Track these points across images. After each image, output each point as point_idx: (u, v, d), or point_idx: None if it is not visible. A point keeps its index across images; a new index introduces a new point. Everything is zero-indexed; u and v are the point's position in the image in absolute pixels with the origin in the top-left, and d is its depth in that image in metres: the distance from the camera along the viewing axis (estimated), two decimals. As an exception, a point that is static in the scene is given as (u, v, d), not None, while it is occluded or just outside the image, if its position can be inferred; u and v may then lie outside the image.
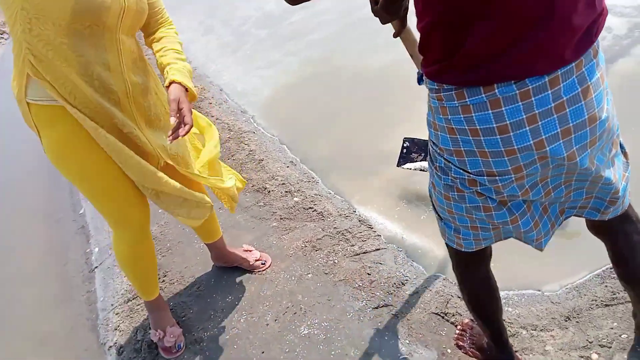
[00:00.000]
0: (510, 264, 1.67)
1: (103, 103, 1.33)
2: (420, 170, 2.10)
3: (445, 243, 1.18)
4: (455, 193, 1.01)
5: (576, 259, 1.65)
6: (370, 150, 2.55)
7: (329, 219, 2.15)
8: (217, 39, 4.72)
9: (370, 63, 3.30)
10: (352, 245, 1.98)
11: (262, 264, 1.98)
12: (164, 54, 1.45)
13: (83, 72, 1.28)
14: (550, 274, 1.63)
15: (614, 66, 2.38)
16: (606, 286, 1.50)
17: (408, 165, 2.14)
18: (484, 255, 1.18)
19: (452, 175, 0.98)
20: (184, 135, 1.31)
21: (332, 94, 3.16)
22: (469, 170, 0.94)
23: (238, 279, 1.96)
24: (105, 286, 2.22)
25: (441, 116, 0.93)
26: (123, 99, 1.37)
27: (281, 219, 2.23)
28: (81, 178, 1.44)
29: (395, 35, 1.23)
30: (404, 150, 2.17)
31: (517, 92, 0.82)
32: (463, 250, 1.12)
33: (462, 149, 0.92)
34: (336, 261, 1.93)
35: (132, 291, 2.08)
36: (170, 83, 1.37)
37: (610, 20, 2.67)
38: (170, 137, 1.29)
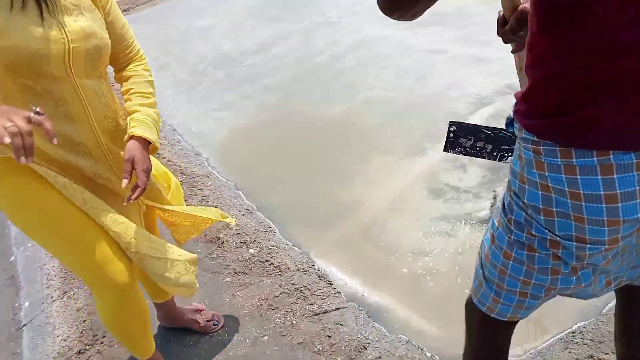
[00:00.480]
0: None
1: (69, 159, 1.20)
2: (468, 155, 1.98)
3: (472, 302, 1.08)
4: (524, 252, 0.92)
5: (540, 322, 1.64)
6: (329, 200, 2.50)
7: (286, 274, 2.05)
8: (172, 76, 4.61)
9: (328, 111, 3.31)
10: (311, 304, 1.88)
11: (214, 324, 1.83)
12: (129, 98, 1.34)
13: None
14: (514, 337, 1.61)
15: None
16: (570, 352, 1.50)
17: (457, 150, 2.02)
18: (514, 322, 1.08)
19: (531, 232, 0.90)
20: (136, 199, 1.20)
21: (288, 141, 3.12)
22: (556, 233, 0.86)
23: (187, 342, 1.80)
24: (33, 347, 1.98)
25: (534, 170, 0.85)
26: (94, 149, 1.24)
27: (235, 273, 2.10)
28: (46, 234, 1.25)
29: (513, 52, 1.21)
30: (451, 135, 2.01)
31: (635, 161, 0.76)
32: (492, 316, 1.04)
33: (554, 209, 0.85)
34: (294, 322, 1.82)
35: (65, 354, 1.86)
36: (130, 138, 1.26)
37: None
38: (125, 202, 1.18)
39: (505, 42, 1.12)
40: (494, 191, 2.23)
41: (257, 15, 5.96)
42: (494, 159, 2.02)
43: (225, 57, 4.81)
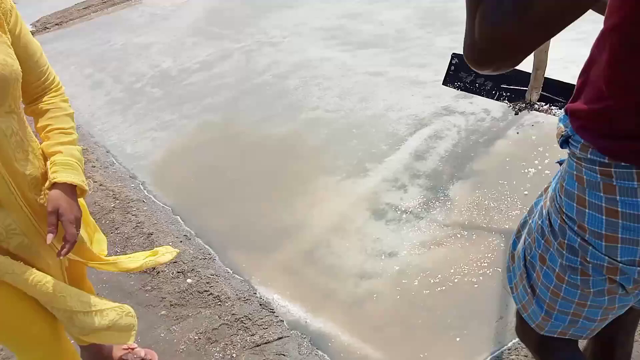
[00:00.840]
0: (416, 347, 1.63)
1: None
2: (467, 90, 1.88)
3: (520, 314, 1.07)
4: (578, 277, 0.89)
5: (476, 339, 1.66)
6: (271, 223, 2.44)
7: (226, 304, 1.96)
8: (106, 95, 4.41)
9: (269, 131, 3.27)
10: (253, 335, 1.81)
11: (147, 363, 1.71)
12: (48, 136, 1.17)
13: None
14: (453, 354, 1.62)
15: (493, 146, 2.61)
16: (507, 372, 1.52)
17: (456, 84, 1.91)
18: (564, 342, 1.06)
19: (586, 258, 0.86)
20: (66, 254, 1.08)
21: (229, 162, 3.04)
22: (618, 259, 0.83)
23: (117, 384, 1.66)
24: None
25: (602, 194, 0.80)
26: (5, 199, 1.06)
27: (172, 305, 1.99)
28: None
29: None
30: (452, 68, 1.91)
31: None
32: (541, 333, 1.02)
33: (619, 235, 0.81)
34: (234, 355, 1.74)
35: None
36: (52, 186, 1.11)
37: (486, 104, 2.96)
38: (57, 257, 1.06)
39: None
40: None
41: (198, 33, 5.86)
42: (492, 98, 1.96)
43: (164, 76, 4.66)
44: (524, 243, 1.03)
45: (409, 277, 1.98)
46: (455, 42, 3.85)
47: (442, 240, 2.11)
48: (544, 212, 0.96)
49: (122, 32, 6.35)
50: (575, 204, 0.85)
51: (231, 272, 2.17)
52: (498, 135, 2.68)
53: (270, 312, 1.92)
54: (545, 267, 0.95)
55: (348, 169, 2.71)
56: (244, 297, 1.99)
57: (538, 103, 1.78)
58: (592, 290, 0.89)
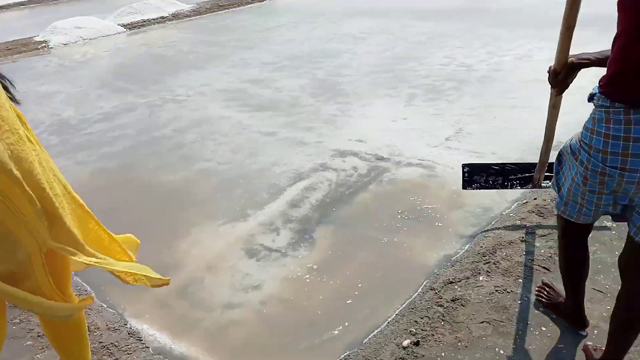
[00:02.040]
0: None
1: None
2: (484, 188, 2.45)
3: (557, 214, 1.65)
4: (581, 179, 1.45)
5: (326, 357, 1.94)
6: (152, 263, 2.58)
7: (95, 333, 2.07)
8: (-2, 139, 4.35)
9: (162, 179, 3.48)
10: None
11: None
12: None
13: None
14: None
15: (356, 197, 3.05)
16: None
17: (473, 186, 2.45)
18: (585, 229, 1.64)
19: (588, 167, 1.41)
20: None
21: (119, 206, 3.18)
22: (607, 164, 1.35)
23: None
24: None
25: (603, 124, 1.34)
26: None
27: (39, 336, 2.06)
28: None
29: (557, 95, 1.79)
30: (466, 175, 2.44)
31: None
32: (566, 217, 1.58)
33: (609, 149, 1.34)
34: (96, 378, 1.85)
35: None
36: None
37: (355, 162, 3.46)
38: None
39: (558, 89, 1.67)
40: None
41: (105, 86, 6.01)
42: (507, 188, 2.48)
43: (63, 124, 4.73)
44: (558, 164, 1.64)
45: (269, 307, 2.24)
46: (340, 110, 4.43)
47: (303, 274, 2.42)
48: (571, 142, 1.54)
49: (25, 80, 6.31)
50: (588, 133, 1.40)
51: (105, 305, 2.29)
52: (361, 188, 3.13)
53: (138, 340, 2.06)
54: (567, 174, 1.57)
55: (230, 214, 2.99)
56: (114, 327, 2.12)
57: (544, 182, 2.31)
58: (587, 189, 1.46)
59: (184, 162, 3.75)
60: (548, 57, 3.33)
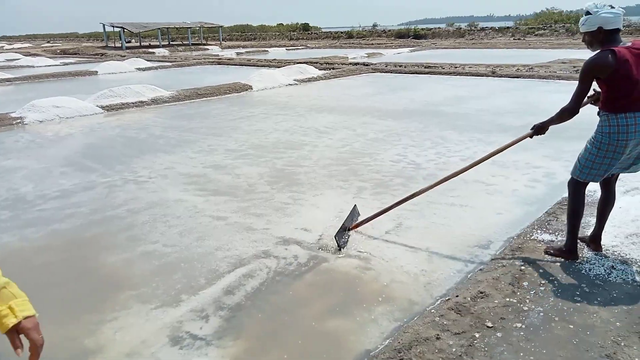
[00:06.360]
0: None
1: None
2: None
3: (572, 177, 2.96)
4: (594, 157, 2.79)
5: None
6: (70, 346, 2.56)
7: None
8: (-53, 212, 4.35)
9: (104, 261, 3.49)
10: None
11: None
12: None
13: None
14: None
15: (292, 287, 3.11)
16: None
17: (344, 240, 3.65)
18: (585, 185, 2.95)
19: (606, 150, 2.74)
20: None
21: (55, 284, 3.16)
22: (614, 143, 2.72)
23: None
24: None
25: (607, 126, 2.72)
26: None
27: None
28: None
29: (592, 103, 3.09)
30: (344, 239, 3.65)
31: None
32: (579, 180, 2.90)
33: (608, 142, 2.74)
34: None
35: None
36: None
37: (297, 251, 3.56)
38: None
39: (594, 103, 3.02)
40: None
41: (70, 164, 6.14)
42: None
43: (18, 199, 4.77)
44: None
45: (183, 397, 2.20)
46: (292, 199, 4.61)
47: (224, 364, 2.41)
48: (590, 139, 2.87)
49: (-10, 154, 6.40)
50: (596, 134, 2.81)
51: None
52: (297, 278, 3.21)
53: None
54: (587, 154, 2.85)
55: (164, 298, 3.00)
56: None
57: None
58: (601, 162, 2.79)
59: (130, 243, 3.79)
60: (489, 161, 3.64)
